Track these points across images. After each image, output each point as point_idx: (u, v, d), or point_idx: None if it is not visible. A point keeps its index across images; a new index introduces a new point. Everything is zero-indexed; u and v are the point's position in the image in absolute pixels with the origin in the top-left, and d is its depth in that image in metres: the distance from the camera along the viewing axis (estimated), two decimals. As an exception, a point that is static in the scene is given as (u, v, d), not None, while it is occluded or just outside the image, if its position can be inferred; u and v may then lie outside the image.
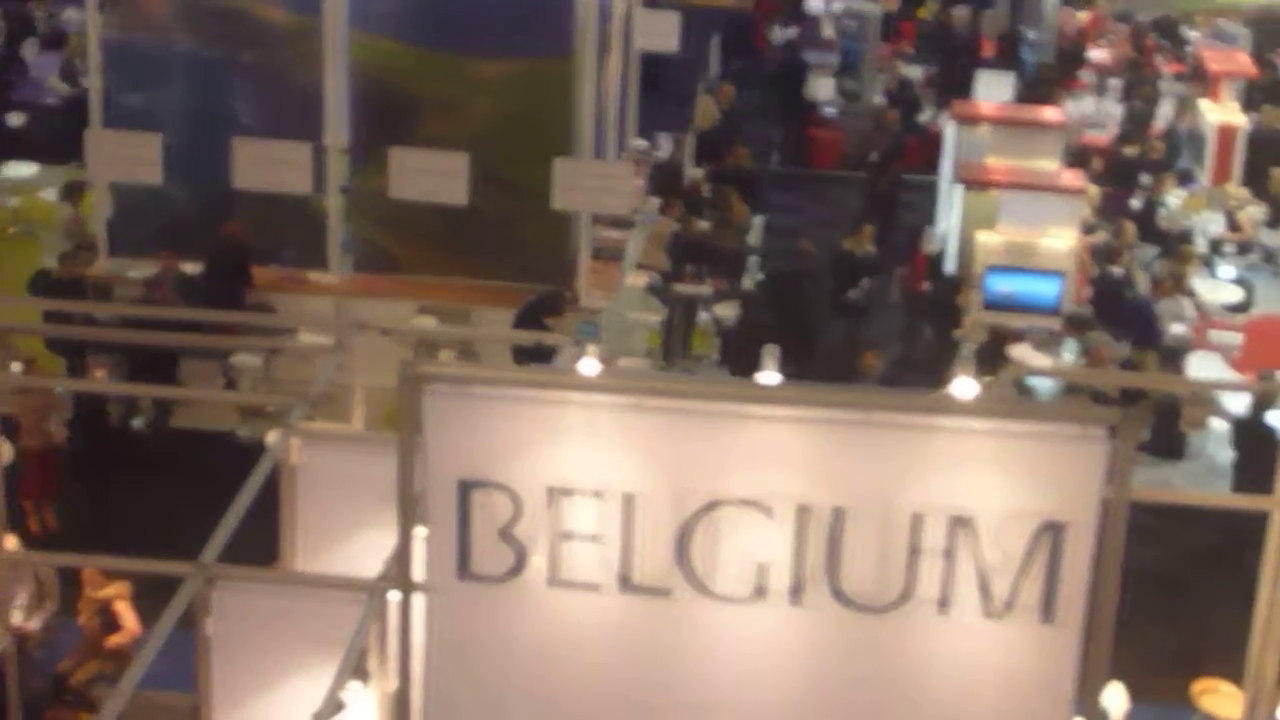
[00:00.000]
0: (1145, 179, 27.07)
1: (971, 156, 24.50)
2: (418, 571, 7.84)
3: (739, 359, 20.96)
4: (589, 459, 7.64)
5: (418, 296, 20.73)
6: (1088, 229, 24.12)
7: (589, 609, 7.87)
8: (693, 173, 26.70)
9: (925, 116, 31.70)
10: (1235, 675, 14.18)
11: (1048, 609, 7.61)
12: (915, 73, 33.11)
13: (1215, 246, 25.40)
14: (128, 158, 20.23)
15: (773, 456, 7.56)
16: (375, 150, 20.51)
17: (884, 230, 25.06)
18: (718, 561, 7.72)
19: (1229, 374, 21.36)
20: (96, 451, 19.15)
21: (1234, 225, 25.78)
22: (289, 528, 11.77)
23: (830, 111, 32.30)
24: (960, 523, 7.55)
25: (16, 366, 16.39)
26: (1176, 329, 21.89)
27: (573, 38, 20.63)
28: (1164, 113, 30.11)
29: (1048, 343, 21.66)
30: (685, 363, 21.98)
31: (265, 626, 10.22)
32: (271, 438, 12.00)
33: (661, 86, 28.68)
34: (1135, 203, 26.30)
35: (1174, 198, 26.61)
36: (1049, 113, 26.54)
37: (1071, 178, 23.85)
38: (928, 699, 7.84)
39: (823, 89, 32.97)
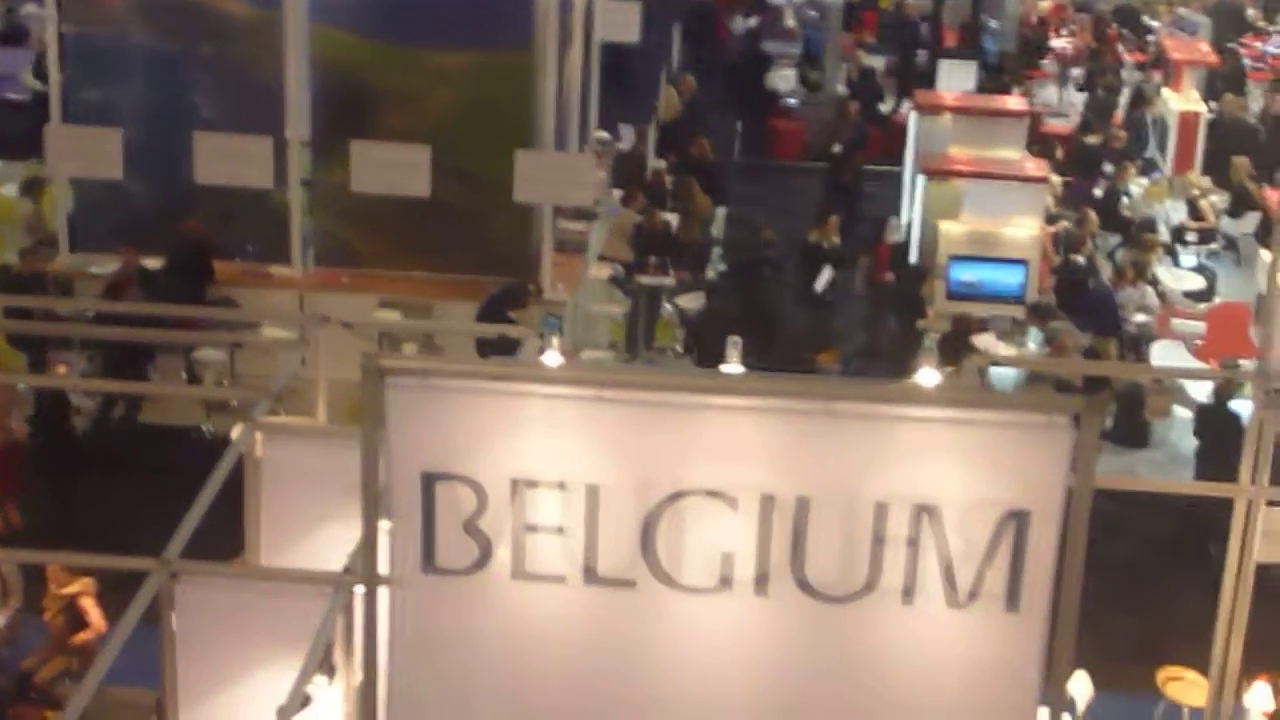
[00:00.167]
0: (1108, 167, 27.14)
1: (934, 146, 24.55)
2: (382, 565, 7.82)
3: (703, 349, 20.97)
4: (552, 451, 7.62)
5: (380, 290, 20.70)
6: (1050, 218, 24.19)
7: (554, 601, 7.85)
8: (655, 164, 26.69)
9: (887, 107, 31.74)
10: (1199, 663, 14.26)
11: (1012, 598, 7.61)
12: (877, 63, 33.12)
13: (1177, 235, 25.49)
14: (88, 152, 20.20)
15: (736, 447, 7.55)
16: (336, 143, 20.47)
17: (847, 221, 25.10)
18: (683, 552, 7.71)
19: (1191, 362, 21.44)
20: (59, 447, 19.08)
21: (1196, 213, 25.86)
22: (253, 522, 11.75)
23: (792, 102, 32.33)
24: (924, 511, 7.54)
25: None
26: (1139, 317, 21.95)
27: (533, 29, 20.61)
28: (1133, 101, 30.15)
29: (1011, 332, 21.72)
30: (649, 354, 21.98)
31: (229, 621, 10.20)
32: (235, 432, 11.97)
33: (623, 77, 28.66)
34: (1098, 191, 26.37)
35: (1136, 186, 26.68)
36: (1011, 102, 26.62)
37: (1034, 167, 23.91)
38: (892, 688, 7.84)
39: (784, 79, 33.00)
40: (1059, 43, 34.98)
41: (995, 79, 30.64)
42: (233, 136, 20.15)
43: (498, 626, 7.91)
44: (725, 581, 7.73)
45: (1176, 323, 22.77)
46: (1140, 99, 29.60)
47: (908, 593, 7.68)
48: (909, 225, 24.84)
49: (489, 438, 7.62)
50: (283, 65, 20.59)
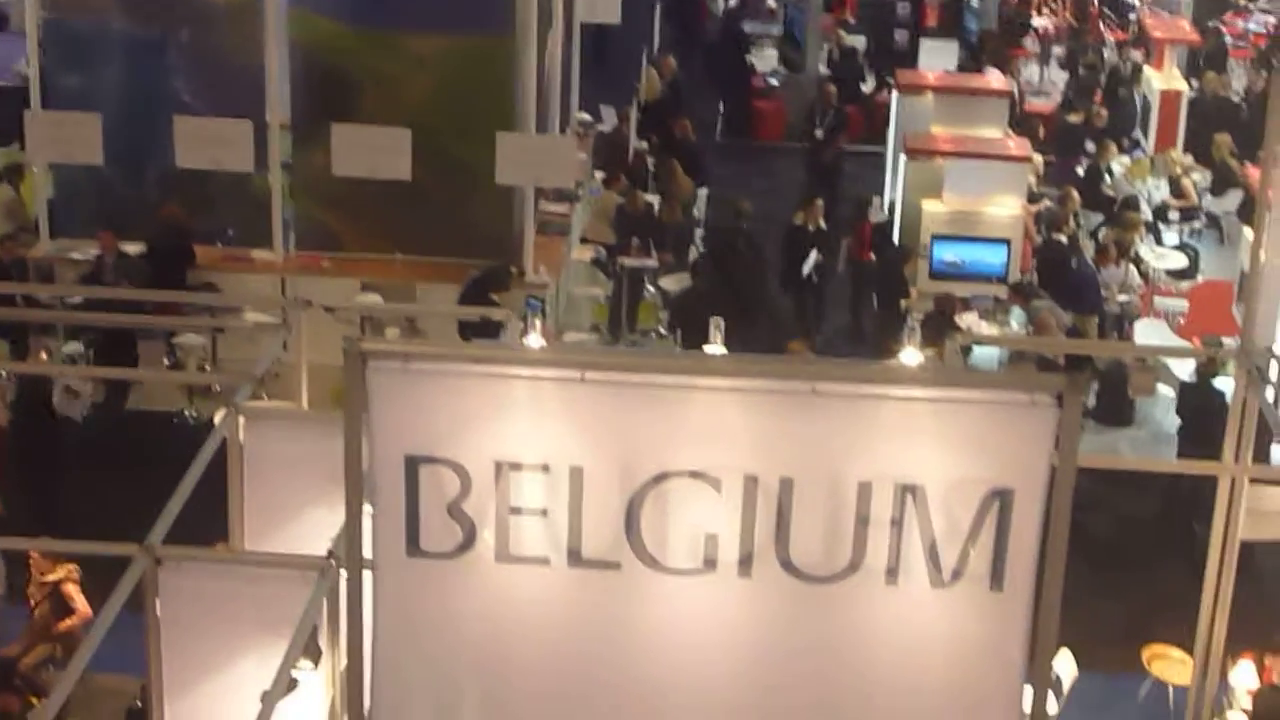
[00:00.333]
0: (1090, 146, 27.13)
1: (916, 126, 24.53)
2: (366, 549, 7.81)
3: (686, 331, 20.96)
4: (536, 433, 7.61)
5: (362, 273, 20.68)
6: (1032, 197, 24.19)
7: (538, 583, 7.84)
8: (637, 145, 26.66)
9: (868, 86, 31.71)
10: (1184, 641, 14.30)
11: (996, 577, 7.61)
12: (858, 42, 33.08)
13: (1159, 213, 25.49)
14: (68, 138, 20.18)
15: (720, 428, 7.54)
16: (317, 127, 20.44)
17: (829, 202, 25.05)
18: (667, 534, 7.70)
19: (1174, 340, 21.46)
20: (40, 434, 19.02)
21: (1178, 191, 25.86)
22: (236, 507, 11.74)
23: (773, 82, 32.29)
24: (908, 491, 7.54)
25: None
26: (1122, 296, 21.96)
27: (514, 11, 20.57)
28: (1119, 80, 30.15)
29: (994, 311, 21.72)
30: (632, 336, 21.97)
31: (214, 607, 10.20)
32: (218, 417, 11.95)
33: (604, 59, 28.65)
34: (1080, 170, 26.37)
35: (1118, 165, 26.68)
36: (993, 80, 26.60)
37: (1016, 145, 23.91)
38: (877, 668, 7.84)
39: (765, 59, 32.97)
40: (1040, 21, 34.95)
41: (976, 58, 30.63)
42: (213, 121, 20.15)
43: (482, 609, 7.91)
44: (709, 563, 7.72)
45: (1159, 301, 22.80)
46: (1126, 78, 29.62)
47: (891, 573, 7.68)
48: (891, 205, 24.84)
49: (472, 421, 7.61)
50: (263, 49, 20.54)
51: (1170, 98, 27.62)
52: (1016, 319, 21.18)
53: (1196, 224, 25.69)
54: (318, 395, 12.73)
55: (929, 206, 22.62)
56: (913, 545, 7.62)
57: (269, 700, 8.95)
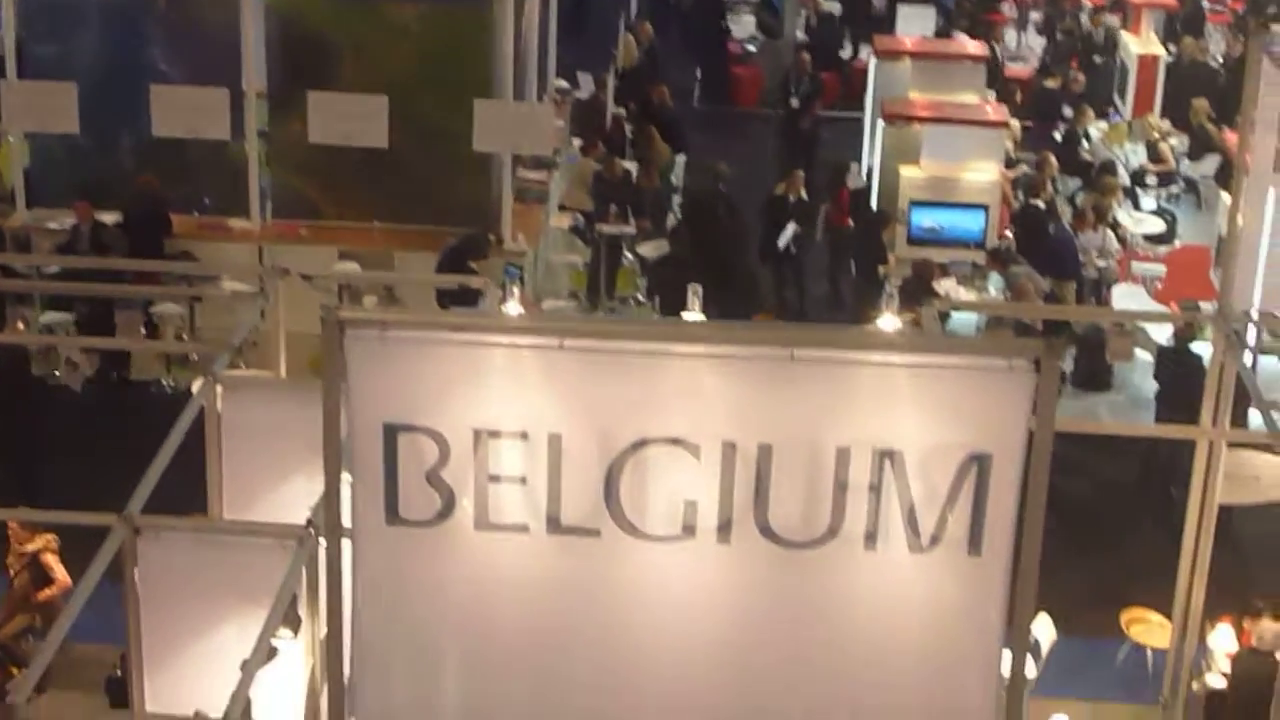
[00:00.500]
0: (1067, 111, 27.13)
1: (894, 91, 24.50)
2: (346, 518, 7.81)
3: (664, 297, 20.95)
4: (514, 401, 7.61)
5: (339, 242, 20.64)
6: (1010, 162, 24.19)
7: (518, 551, 7.85)
8: (615, 112, 26.61)
9: (846, 52, 31.67)
10: (1162, 605, 14.35)
11: (974, 541, 7.63)
12: (835, 8, 33.00)
13: (1137, 178, 25.50)
14: (43, 107, 20.11)
15: (698, 395, 7.55)
16: (293, 95, 20.38)
17: (807, 170, 25.02)
18: (646, 501, 7.71)
19: (1152, 305, 21.48)
20: (17, 403, 18.96)
21: (1155, 156, 25.88)
22: (215, 476, 11.73)
23: (750, 48, 32.23)
24: (886, 457, 7.55)
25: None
26: (1099, 261, 21.97)
27: (491, -23, 20.52)
28: (1096, 45, 30.12)
29: (972, 276, 21.73)
30: (610, 304, 21.96)
31: (193, 576, 10.20)
32: (196, 386, 11.93)
33: (581, 26, 28.57)
34: (1057, 135, 26.36)
35: (1095, 130, 26.69)
36: (971, 46, 26.58)
37: (994, 111, 23.90)
38: (855, 633, 7.86)
39: (743, 25, 32.89)
40: (1017, -14, 34.90)
41: (954, 23, 30.59)
42: (189, 89, 20.09)
43: (462, 577, 7.91)
44: (688, 529, 7.73)
45: (1137, 266, 22.81)
46: (1103, 43, 29.61)
47: (870, 538, 7.69)
48: (869, 171, 24.82)
49: (450, 389, 7.61)
50: (239, 17, 20.45)
51: (1148, 62, 27.61)
52: (994, 284, 21.19)
53: (1174, 189, 25.72)
54: (296, 364, 12.71)
55: (907, 172, 22.60)
56: (891, 510, 7.63)
57: (249, 669, 8.96)
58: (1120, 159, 25.87)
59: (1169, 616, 14.16)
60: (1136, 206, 24.69)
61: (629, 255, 22.35)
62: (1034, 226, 22.30)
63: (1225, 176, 23.80)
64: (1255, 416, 12.54)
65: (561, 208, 23.55)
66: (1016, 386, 7.39)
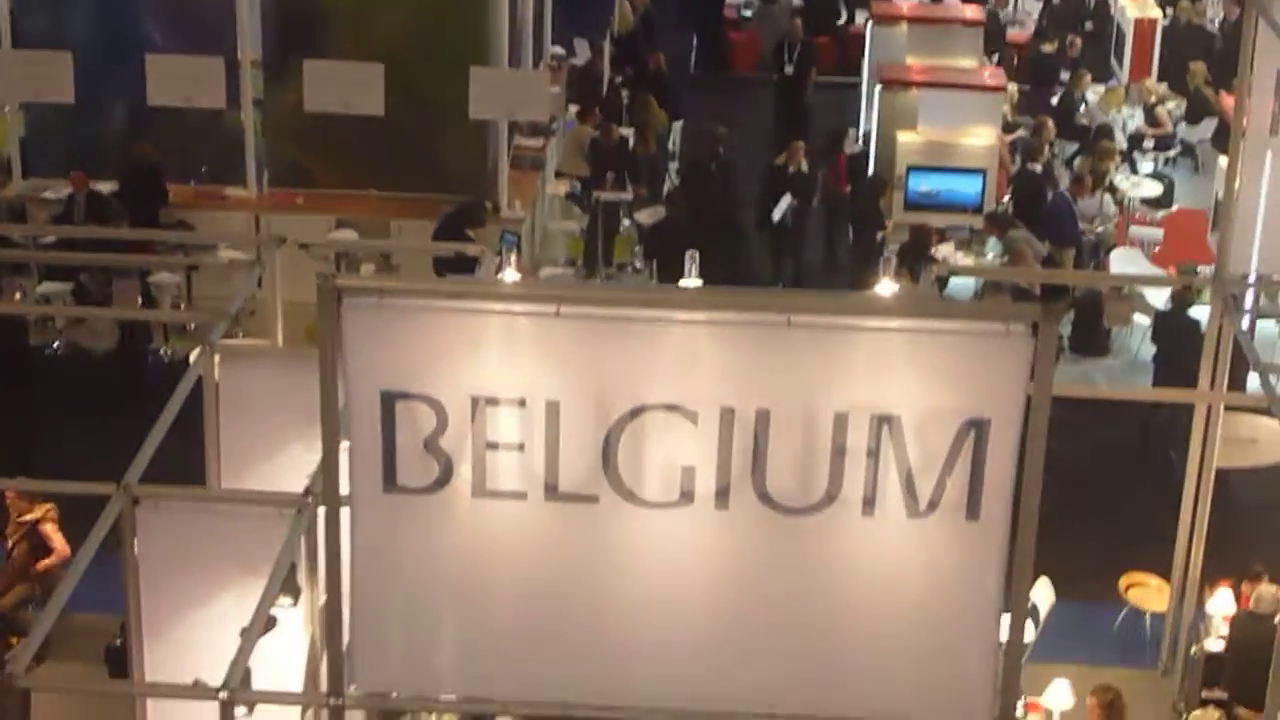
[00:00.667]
0: (1064, 75, 27.07)
1: (891, 56, 24.46)
2: (344, 486, 7.81)
3: (661, 264, 20.92)
4: (511, 368, 7.60)
5: (336, 210, 20.63)
6: (1007, 126, 24.15)
7: (516, 518, 7.85)
8: (611, 78, 26.55)
9: (842, 18, 31.56)
10: (1161, 568, 14.37)
11: (972, 506, 7.63)
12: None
13: (1134, 142, 25.48)
14: (39, 77, 20.06)
15: (695, 361, 7.54)
16: (288, 63, 20.34)
17: (802, 136, 24.96)
18: (643, 467, 7.71)
19: (1150, 269, 21.46)
20: (14, 372, 18.98)
21: (1152, 120, 25.84)
22: (213, 445, 11.72)
23: (747, 13, 32.14)
24: (884, 422, 7.55)
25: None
26: (1097, 225, 21.96)
27: (486, -56, 20.47)
28: (1093, 9, 30.04)
29: (969, 241, 21.72)
30: (608, 270, 21.95)
31: (192, 545, 10.18)
32: (193, 355, 11.92)
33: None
34: (1054, 100, 26.32)
35: (1093, 94, 26.64)
36: (967, 10, 26.50)
37: (991, 75, 23.86)
38: (854, 598, 7.87)
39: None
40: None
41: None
42: (184, 58, 20.04)
43: (460, 544, 7.92)
44: (686, 495, 7.74)
45: (1134, 230, 22.81)
46: (1100, 7, 29.53)
47: (868, 503, 7.69)
48: (866, 136, 24.78)
49: (448, 356, 7.60)
50: (233, -15, 20.44)
51: (1144, 26, 27.54)
52: (992, 249, 21.17)
53: (1171, 152, 25.70)
54: (293, 332, 12.71)
55: (904, 137, 22.58)
56: (889, 476, 7.63)
57: (248, 637, 8.96)
58: (1117, 123, 25.84)
59: (1167, 580, 14.17)
60: (1134, 170, 24.68)
61: (626, 221, 22.33)
62: (1031, 191, 22.28)
63: (1222, 140, 23.72)
64: (1253, 380, 12.53)
65: (558, 174, 23.53)
66: (1014, 351, 7.38)
